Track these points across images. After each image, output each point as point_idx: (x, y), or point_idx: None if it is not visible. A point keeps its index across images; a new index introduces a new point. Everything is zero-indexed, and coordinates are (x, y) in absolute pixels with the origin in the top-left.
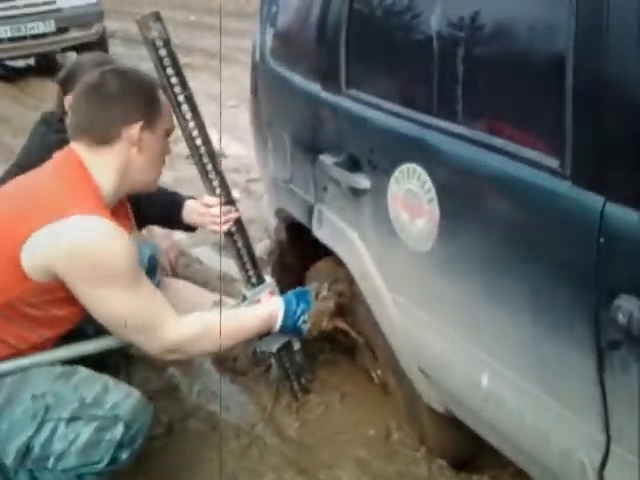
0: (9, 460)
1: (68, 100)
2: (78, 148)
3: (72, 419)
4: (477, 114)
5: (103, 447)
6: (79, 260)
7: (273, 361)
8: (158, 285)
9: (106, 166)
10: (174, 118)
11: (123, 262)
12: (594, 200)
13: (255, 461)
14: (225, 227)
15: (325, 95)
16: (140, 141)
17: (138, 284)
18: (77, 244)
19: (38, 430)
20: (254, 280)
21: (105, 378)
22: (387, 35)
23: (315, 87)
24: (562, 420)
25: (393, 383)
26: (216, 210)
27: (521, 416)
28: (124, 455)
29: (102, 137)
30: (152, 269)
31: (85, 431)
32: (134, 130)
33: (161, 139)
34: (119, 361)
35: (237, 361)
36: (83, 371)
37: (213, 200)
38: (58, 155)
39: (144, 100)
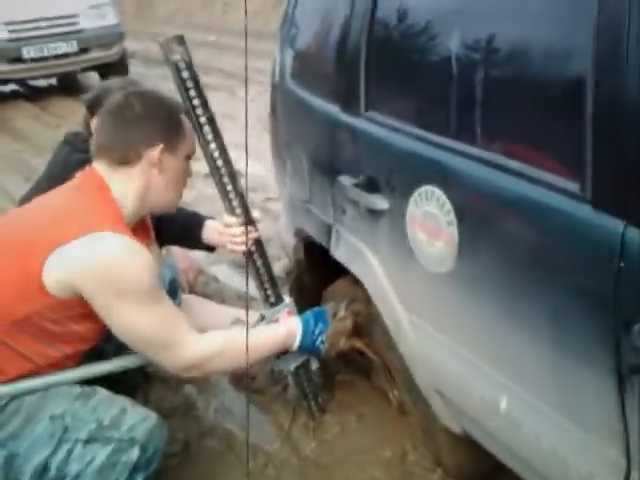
0: (25, 479)
1: (94, 123)
2: (99, 167)
3: (89, 441)
4: (496, 137)
5: (119, 469)
6: (99, 276)
7: (290, 380)
8: (178, 305)
9: (126, 186)
10: (196, 140)
11: (143, 278)
12: (614, 224)
13: None
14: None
15: (344, 117)
16: (160, 163)
17: (158, 300)
18: (97, 260)
19: (55, 450)
20: (273, 300)
21: (123, 400)
22: (406, 58)
23: (334, 109)
24: (581, 444)
25: (410, 404)
26: (236, 230)
27: (539, 440)
28: (139, 478)
29: (123, 157)
30: (173, 292)
31: (101, 453)
32: (155, 152)
33: (182, 162)
34: (139, 380)
35: (254, 380)
36: (102, 392)
37: (233, 220)
38: (80, 174)
39: (166, 123)
